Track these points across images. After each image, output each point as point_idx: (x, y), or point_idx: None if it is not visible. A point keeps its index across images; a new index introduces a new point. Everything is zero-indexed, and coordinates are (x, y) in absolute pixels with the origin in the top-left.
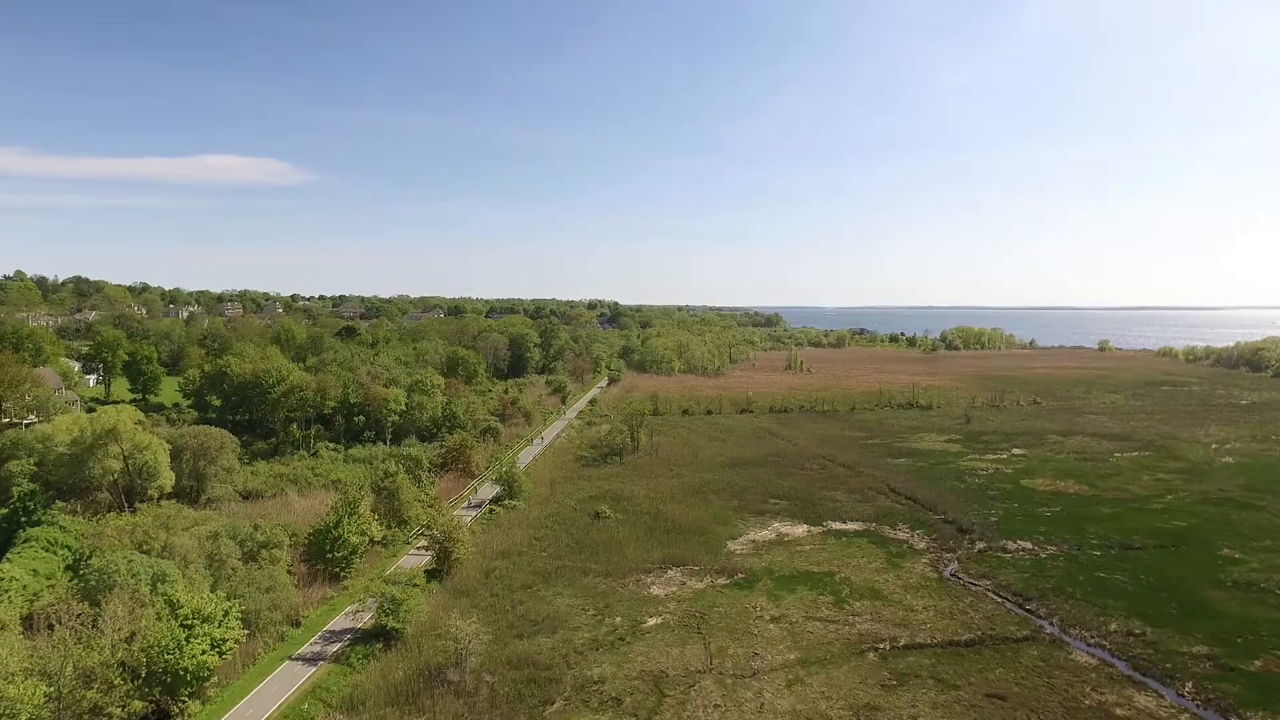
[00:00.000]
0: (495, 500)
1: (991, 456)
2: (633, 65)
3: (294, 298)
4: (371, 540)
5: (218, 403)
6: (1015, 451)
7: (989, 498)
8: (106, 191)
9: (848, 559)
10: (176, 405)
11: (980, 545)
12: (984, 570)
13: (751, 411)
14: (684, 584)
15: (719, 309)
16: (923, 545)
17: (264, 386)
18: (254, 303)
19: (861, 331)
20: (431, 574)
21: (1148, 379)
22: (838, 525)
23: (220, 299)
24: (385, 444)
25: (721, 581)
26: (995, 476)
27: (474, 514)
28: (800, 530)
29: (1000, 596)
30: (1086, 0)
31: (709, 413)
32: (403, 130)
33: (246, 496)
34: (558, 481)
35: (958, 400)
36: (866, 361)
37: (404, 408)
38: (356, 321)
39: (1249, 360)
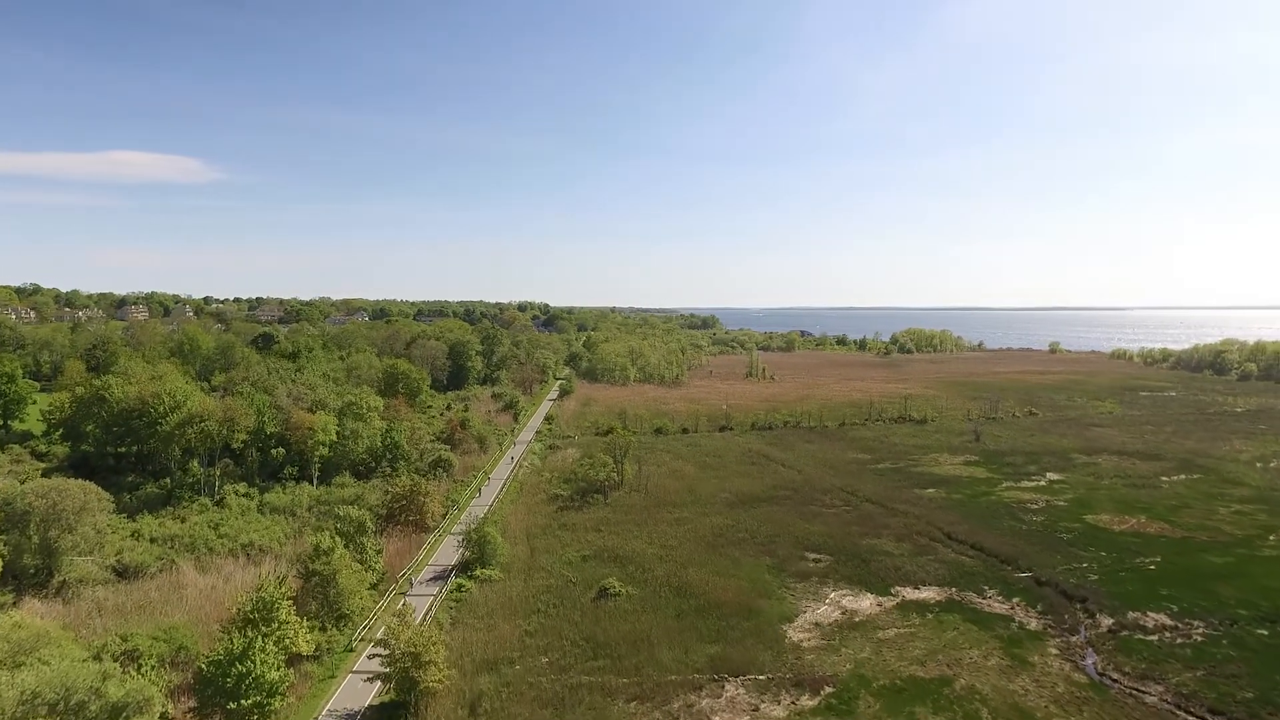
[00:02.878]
0: (463, 568)
1: (1029, 484)
2: (573, 70)
3: (206, 300)
4: (299, 655)
5: (97, 432)
6: (1051, 476)
7: (1063, 543)
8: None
9: (954, 652)
10: (48, 433)
11: (1107, 622)
12: (1142, 667)
13: (731, 429)
14: (755, 709)
15: (646, 310)
16: (1034, 623)
17: (153, 416)
18: (161, 306)
19: (804, 334)
20: (387, 714)
21: (1123, 384)
22: (910, 593)
23: (124, 302)
24: (312, 483)
25: (806, 701)
26: (1051, 512)
27: (437, 589)
28: (867, 602)
29: (1195, 717)
30: (1029, 8)
31: (685, 431)
32: (328, 129)
33: (123, 573)
34: (535, 533)
35: (950, 412)
36: (826, 367)
37: (335, 438)
38: (275, 327)
39: (1211, 363)
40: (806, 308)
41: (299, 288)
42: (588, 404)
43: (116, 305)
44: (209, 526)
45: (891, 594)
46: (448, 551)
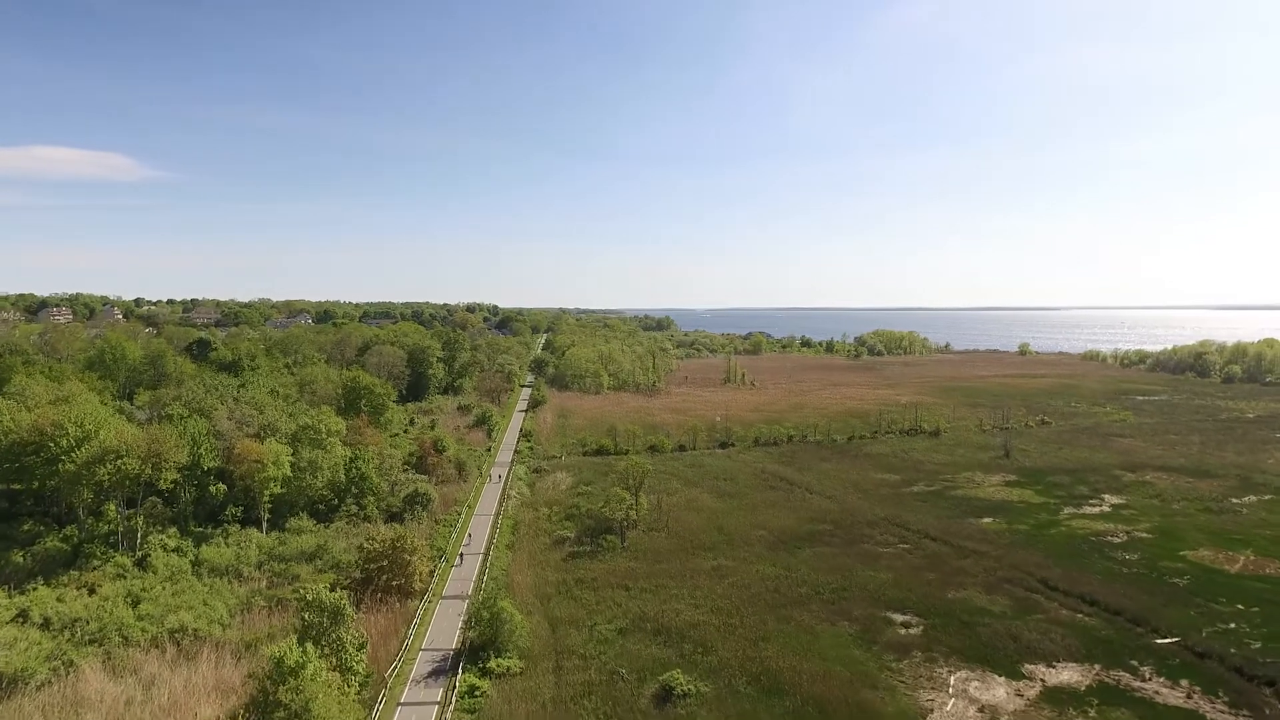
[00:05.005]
0: (471, 655)
1: (1092, 510)
2: (521, 74)
3: (138, 302)
4: None
5: None
6: (1111, 500)
7: (1183, 592)
8: None
9: None
10: None
11: None
12: None
13: (733, 445)
14: None
15: (594, 311)
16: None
17: (53, 451)
18: (87, 308)
19: (767, 336)
20: None
21: (1115, 389)
22: (1047, 674)
23: (45, 304)
24: (261, 527)
25: None
26: (1141, 548)
27: (440, 692)
28: (1001, 691)
29: None
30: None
31: (682, 448)
32: (268, 128)
33: None
34: (549, 594)
35: (960, 423)
36: (802, 371)
37: (288, 471)
38: (212, 331)
39: (1192, 365)
40: (751, 308)
41: (237, 289)
42: (565, 416)
43: (36, 308)
44: (125, 601)
45: (1025, 676)
46: (444, 624)
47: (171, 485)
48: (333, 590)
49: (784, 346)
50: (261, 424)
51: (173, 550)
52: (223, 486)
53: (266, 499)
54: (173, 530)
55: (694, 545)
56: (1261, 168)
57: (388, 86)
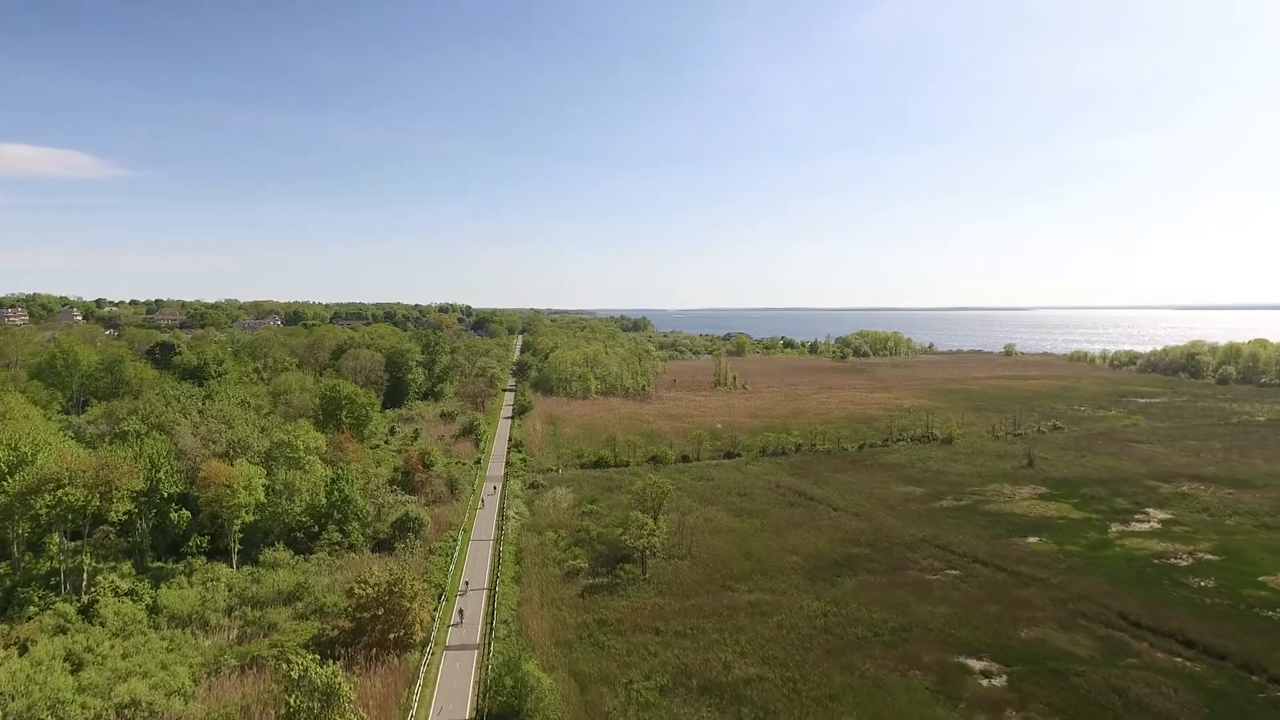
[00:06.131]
0: None
1: (1141, 527)
2: (494, 77)
3: (99, 303)
4: None
5: None
6: (1157, 515)
7: (1275, 625)
8: None
9: None
10: None
11: None
12: None
13: (739, 455)
14: None
15: (567, 312)
16: None
17: None
18: (45, 309)
19: (747, 337)
20: None
21: (1114, 391)
22: None
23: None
24: (231, 561)
25: None
26: (1212, 572)
27: None
28: None
29: None
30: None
31: (685, 459)
32: (233, 126)
33: None
34: (570, 640)
35: (971, 428)
36: (791, 373)
37: (262, 497)
38: (177, 333)
39: (1185, 366)
40: (724, 309)
41: (203, 290)
42: (554, 423)
43: None
44: (64, 665)
45: None
46: (453, 686)
47: (126, 515)
48: (318, 646)
49: (766, 348)
50: (230, 440)
51: (126, 594)
52: (186, 513)
53: (237, 529)
54: (127, 565)
55: (723, 575)
56: (1220, 172)
57: (357, 86)
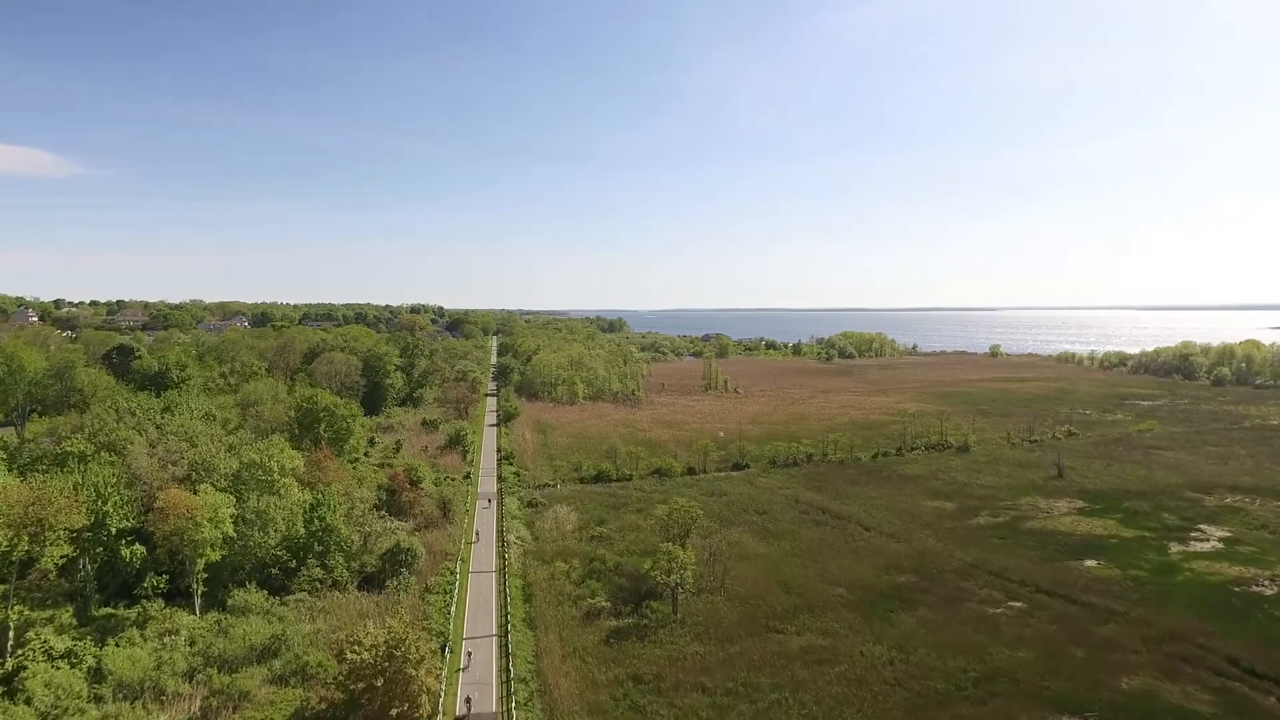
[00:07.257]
0: None
1: (1202, 547)
2: (465, 78)
3: (57, 303)
4: None
5: None
6: (1216, 533)
7: None
8: None
9: None
10: None
11: None
12: None
13: (749, 466)
14: None
15: (538, 313)
16: None
17: None
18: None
19: (728, 338)
20: None
21: (1113, 393)
22: None
23: None
24: (194, 607)
25: None
26: None
27: None
28: None
29: None
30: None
31: (691, 471)
32: (202, 124)
33: None
34: (606, 707)
35: (986, 436)
36: (780, 375)
37: (230, 530)
38: (138, 335)
39: (1178, 367)
40: (697, 309)
41: (168, 291)
42: (544, 431)
43: None
44: None
45: None
46: None
47: (69, 555)
48: None
49: (749, 349)
50: (193, 461)
51: (62, 656)
52: (140, 549)
53: (201, 568)
54: (68, 614)
55: (764, 613)
56: (1188, 175)
57: (325, 86)
